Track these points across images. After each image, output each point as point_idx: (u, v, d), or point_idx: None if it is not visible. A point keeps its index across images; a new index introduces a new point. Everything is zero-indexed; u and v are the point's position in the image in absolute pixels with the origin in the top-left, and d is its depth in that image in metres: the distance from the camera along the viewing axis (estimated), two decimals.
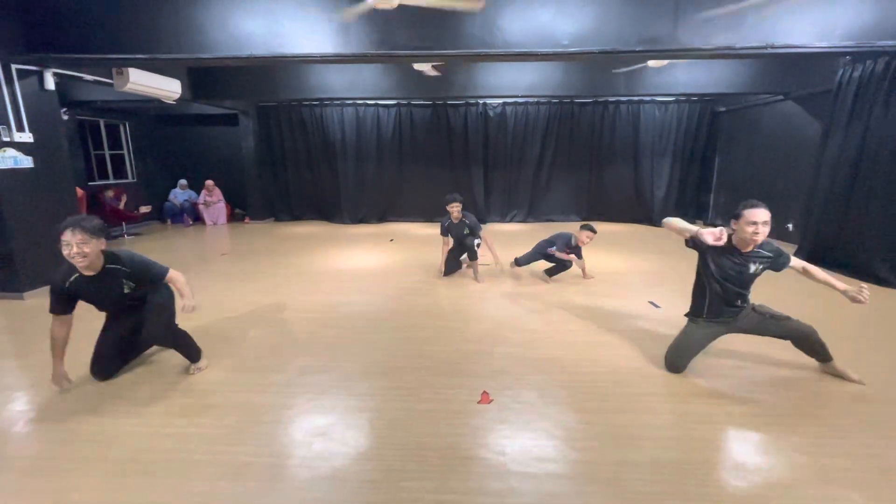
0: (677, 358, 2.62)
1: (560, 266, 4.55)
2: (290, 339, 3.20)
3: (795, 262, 2.47)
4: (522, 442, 2.03)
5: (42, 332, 2.99)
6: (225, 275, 5.02)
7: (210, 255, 6.21)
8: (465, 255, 4.82)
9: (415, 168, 8.94)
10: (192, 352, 2.72)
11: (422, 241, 6.98)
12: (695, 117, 8.29)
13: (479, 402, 2.35)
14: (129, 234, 7.64)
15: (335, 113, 8.67)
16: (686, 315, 2.72)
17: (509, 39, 3.92)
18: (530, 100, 8.37)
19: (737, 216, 2.38)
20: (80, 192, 6.26)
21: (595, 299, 4.05)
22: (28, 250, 4.15)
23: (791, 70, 6.16)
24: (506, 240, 6.62)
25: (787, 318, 2.53)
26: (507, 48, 3.93)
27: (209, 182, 8.79)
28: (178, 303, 2.58)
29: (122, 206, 7.85)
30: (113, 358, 2.62)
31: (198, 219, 8.92)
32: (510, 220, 9.07)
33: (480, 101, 8.48)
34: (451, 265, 4.84)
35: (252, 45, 3.98)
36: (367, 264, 5.57)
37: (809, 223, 5.33)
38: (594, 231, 4.42)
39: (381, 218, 9.18)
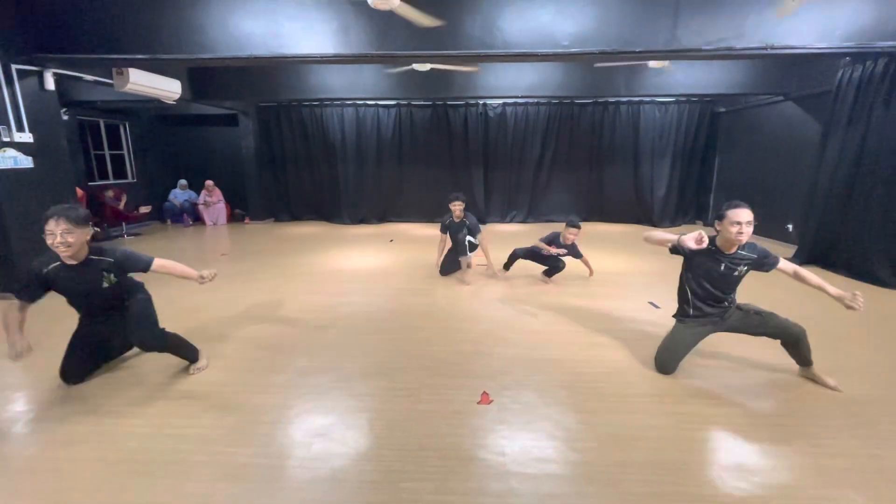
0: (666, 359, 2.63)
1: (555, 267, 4.55)
2: (290, 340, 3.20)
3: (785, 265, 2.45)
4: (522, 443, 2.03)
5: (42, 332, 3.00)
6: (225, 275, 5.02)
7: (210, 256, 6.21)
8: (471, 243, 4.80)
9: (415, 168, 8.95)
10: (188, 353, 2.69)
11: (422, 241, 6.98)
12: (695, 118, 8.30)
13: (478, 403, 2.35)
14: (128, 235, 7.64)
15: (335, 113, 8.67)
16: (674, 316, 2.74)
17: (509, 40, 3.92)
18: (530, 100, 8.37)
19: (720, 217, 2.40)
20: (80, 192, 6.27)
21: (595, 300, 4.05)
22: (28, 251, 4.15)
23: (791, 71, 6.17)
24: (506, 240, 6.61)
25: (773, 315, 2.53)
26: (507, 49, 3.93)
27: (209, 182, 8.78)
28: (194, 278, 2.47)
29: (121, 206, 7.85)
30: (84, 362, 2.56)
31: (198, 219, 8.92)
32: (510, 221, 9.08)
33: (480, 102, 8.48)
34: (452, 266, 4.84)
35: (252, 46, 3.98)
36: (367, 265, 5.57)
37: (809, 224, 5.33)
38: (577, 226, 4.40)
39: (381, 218, 9.18)
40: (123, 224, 7.77)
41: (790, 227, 6.25)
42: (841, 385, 2.45)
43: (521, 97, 7.58)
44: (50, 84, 4.36)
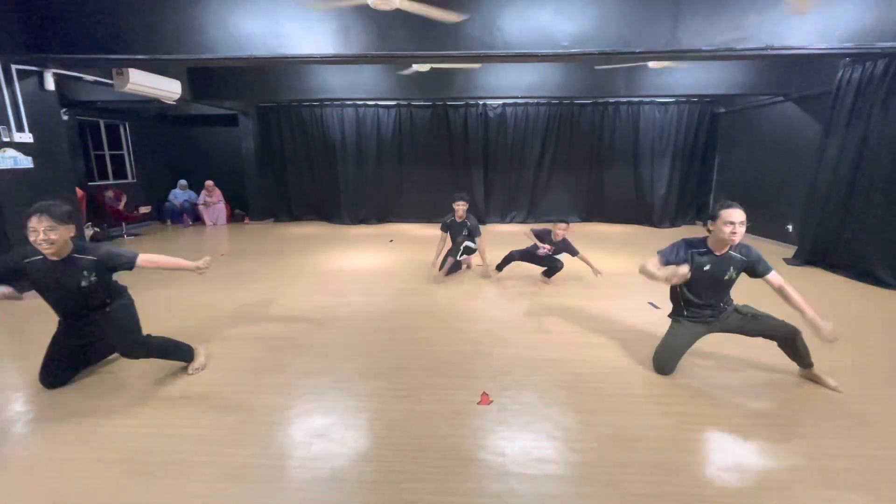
0: (664, 359, 2.64)
1: (554, 268, 4.55)
2: (290, 340, 3.20)
3: (775, 277, 2.43)
4: (522, 443, 2.03)
5: (43, 332, 2.99)
6: (224, 275, 5.02)
7: (210, 256, 6.20)
8: (464, 256, 4.83)
9: (415, 169, 8.94)
10: (181, 354, 2.66)
11: (422, 241, 6.98)
12: (694, 118, 8.30)
13: (478, 403, 2.35)
14: (128, 235, 7.64)
15: (335, 113, 8.67)
16: (669, 315, 2.75)
17: (509, 40, 3.92)
18: (530, 100, 8.37)
19: (713, 217, 2.41)
20: (79, 192, 6.26)
21: (594, 300, 4.05)
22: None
23: (791, 71, 6.16)
24: (505, 241, 6.60)
25: (769, 316, 2.54)
26: (506, 49, 3.93)
27: (209, 182, 8.78)
28: (189, 269, 2.59)
29: (121, 206, 7.85)
30: (63, 366, 2.52)
31: (197, 219, 8.92)
32: (510, 221, 9.08)
33: (480, 102, 8.48)
34: (452, 266, 4.84)
35: (252, 46, 3.98)
36: (367, 265, 5.57)
37: (809, 224, 5.33)
38: (566, 223, 4.44)
39: (381, 219, 9.17)
40: (123, 224, 7.77)
41: (790, 227, 6.25)
42: (841, 386, 2.45)
43: (521, 97, 7.58)
44: (50, 84, 4.36)
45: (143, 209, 8.38)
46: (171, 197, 8.92)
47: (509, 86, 6.65)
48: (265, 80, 6.86)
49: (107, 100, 6.92)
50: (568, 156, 8.86)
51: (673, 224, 8.63)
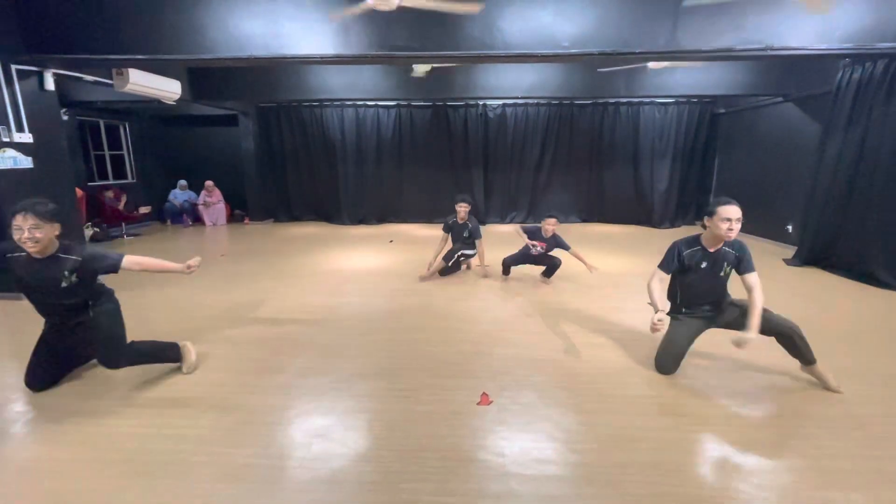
0: (666, 359, 2.64)
1: (552, 266, 4.55)
2: (289, 340, 3.20)
3: (753, 279, 2.45)
4: (522, 444, 2.03)
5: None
6: (224, 275, 5.02)
7: (209, 256, 6.20)
8: (464, 256, 4.83)
9: (415, 169, 8.94)
10: (167, 355, 2.65)
11: (422, 242, 6.98)
12: (694, 119, 8.30)
13: (478, 404, 2.35)
14: (128, 235, 7.63)
15: (335, 114, 8.67)
16: (668, 314, 2.73)
17: (509, 41, 3.92)
18: (530, 101, 8.37)
19: (710, 213, 2.43)
20: (79, 192, 6.27)
21: (594, 300, 4.05)
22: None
23: (790, 72, 6.17)
24: (505, 241, 6.61)
25: (767, 311, 2.53)
26: (506, 49, 3.93)
27: (209, 183, 8.78)
28: (179, 271, 2.48)
29: (121, 206, 7.85)
30: (47, 370, 2.51)
31: (197, 219, 8.92)
32: (510, 222, 9.07)
33: (480, 103, 8.48)
34: (451, 266, 4.84)
35: (252, 46, 3.98)
36: (367, 265, 5.57)
37: (808, 225, 5.33)
38: (555, 217, 4.45)
39: (381, 219, 9.17)
40: (123, 224, 7.77)
41: (790, 227, 6.25)
42: (841, 386, 2.45)
43: (521, 98, 7.57)
44: (50, 84, 4.35)
45: (143, 209, 8.38)
46: (170, 197, 8.92)
47: (509, 86, 6.65)
48: (265, 80, 6.86)
49: (107, 100, 6.92)
50: (568, 156, 8.86)
51: (673, 224, 8.63)
